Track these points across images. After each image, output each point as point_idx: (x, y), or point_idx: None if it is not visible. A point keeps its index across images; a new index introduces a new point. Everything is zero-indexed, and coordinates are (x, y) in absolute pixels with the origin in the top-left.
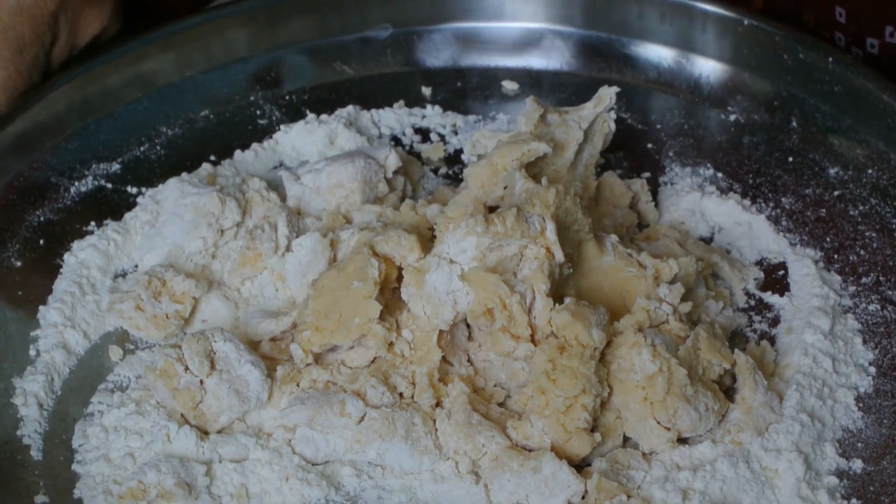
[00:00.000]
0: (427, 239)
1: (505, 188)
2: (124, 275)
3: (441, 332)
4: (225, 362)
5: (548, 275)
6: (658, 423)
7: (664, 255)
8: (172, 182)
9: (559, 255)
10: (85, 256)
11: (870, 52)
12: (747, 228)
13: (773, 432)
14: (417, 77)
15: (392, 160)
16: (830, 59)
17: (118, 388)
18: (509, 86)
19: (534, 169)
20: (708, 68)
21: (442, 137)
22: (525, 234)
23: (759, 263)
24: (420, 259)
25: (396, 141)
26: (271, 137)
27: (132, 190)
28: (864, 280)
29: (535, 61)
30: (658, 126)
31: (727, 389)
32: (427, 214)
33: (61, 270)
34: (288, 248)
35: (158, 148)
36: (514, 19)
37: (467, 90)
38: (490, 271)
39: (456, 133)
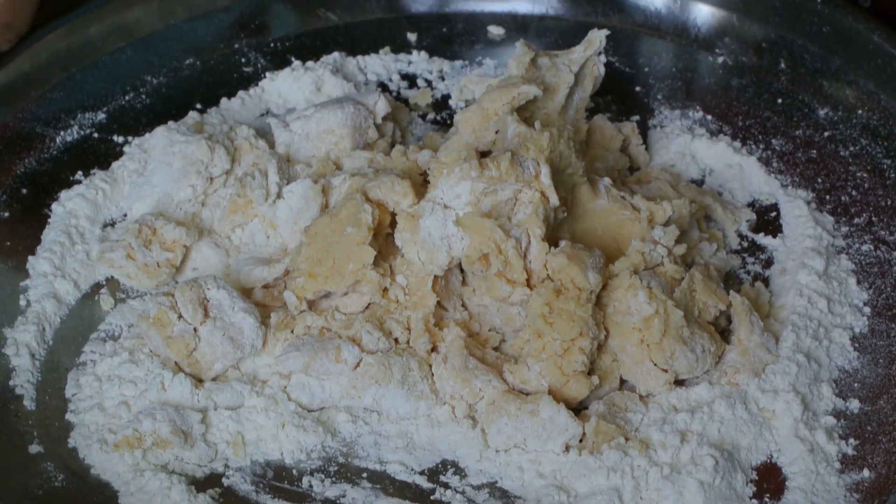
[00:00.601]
0: (419, 184)
1: (496, 133)
2: (113, 224)
3: (435, 277)
4: (218, 310)
5: (543, 219)
6: (655, 364)
7: (657, 198)
8: (160, 130)
9: (554, 199)
10: (73, 206)
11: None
12: (738, 170)
13: (769, 373)
14: (403, 23)
15: (381, 106)
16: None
17: (110, 337)
18: (495, 31)
19: (525, 113)
20: (696, 11)
21: (429, 83)
22: (519, 179)
23: (751, 205)
24: (414, 204)
25: (383, 87)
26: (257, 85)
27: (119, 139)
28: (856, 220)
29: (520, 6)
30: (646, 69)
31: (723, 331)
32: (419, 160)
33: (49, 220)
34: (279, 195)
35: (144, 97)
36: None
37: (453, 35)
38: (485, 216)
39: (443, 79)
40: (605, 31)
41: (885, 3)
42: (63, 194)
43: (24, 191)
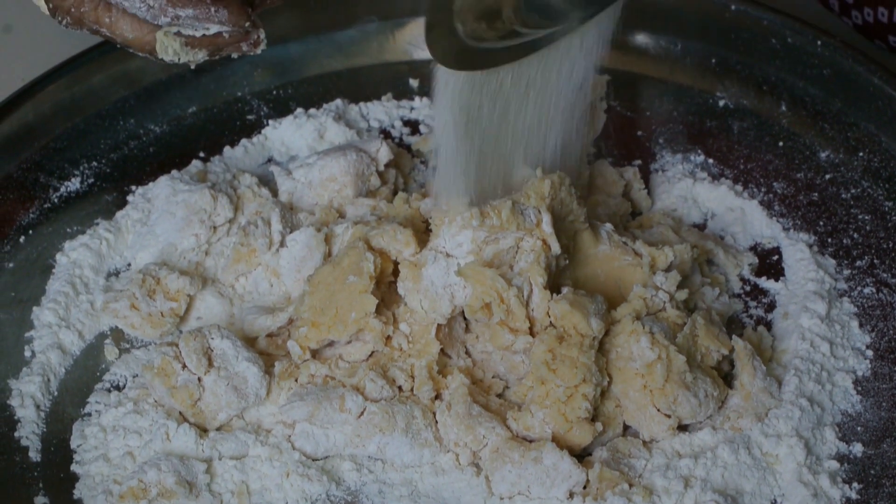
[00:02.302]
0: (421, 232)
1: None
2: (117, 274)
3: (439, 324)
4: (222, 359)
5: (544, 267)
6: (658, 410)
7: (659, 243)
8: (163, 180)
9: (555, 247)
10: (77, 256)
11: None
12: (740, 214)
13: (772, 418)
14: (405, 69)
15: (384, 153)
16: (819, 42)
17: (115, 387)
18: None
19: None
20: (696, 53)
21: (431, 129)
22: (521, 227)
23: (753, 249)
24: (416, 253)
25: (386, 133)
26: (260, 133)
27: (122, 189)
28: (858, 263)
29: None
30: (647, 113)
31: (725, 376)
32: (421, 208)
33: (54, 271)
34: (282, 244)
35: (147, 146)
36: None
37: None
38: (486, 264)
39: None
40: (606, 77)
41: None
42: (67, 244)
43: (28, 241)
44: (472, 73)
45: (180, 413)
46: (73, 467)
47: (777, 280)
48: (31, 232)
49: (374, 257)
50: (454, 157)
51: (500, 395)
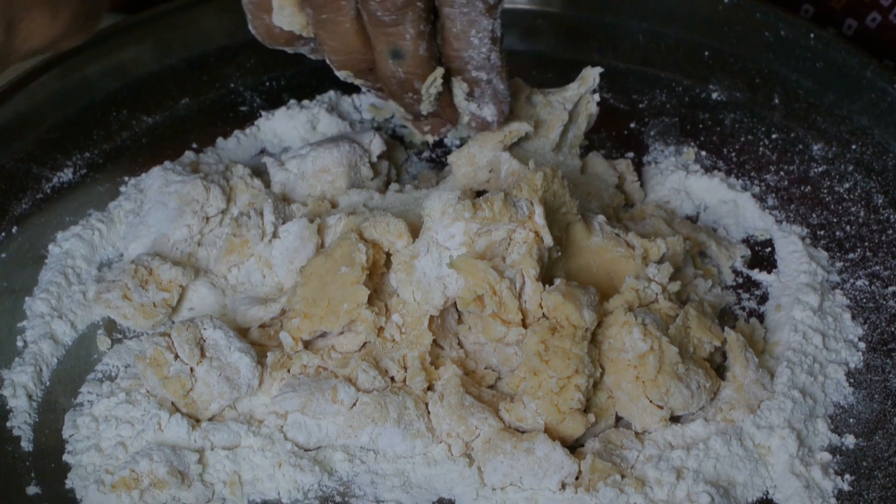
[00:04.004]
0: (415, 223)
1: (490, 171)
2: (109, 264)
3: (431, 315)
4: (215, 349)
5: (537, 259)
6: (650, 401)
7: (652, 235)
8: (156, 170)
9: (548, 240)
10: (69, 246)
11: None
12: (733, 206)
13: (764, 409)
14: None
15: (376, 144)
16: (812, 35)
17: (107, 377)
18: None
19: (518, 150)
20: (688, 46)
21: None
22: (513, 219)
23: (746, 241)
24: (409, 244)
25: (378, 125)
26: (253, 124)
27: (115, 179)
28: (850, 256)
29: (515, 43)
30: (640, 106)
31: (718, 367)
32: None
33: (46, 261)
34: (275, 235)
35: (140, 137)
36: None
37: None
38: (479, 256)
39: None
40: (599, 69)
41: (869, 31)
42: (59, 235)
43: (21, 232)
44: None
45: (172, 403)
46: (65, 457)
47: (769, 272)
48: (23, 222)
49: (367, 248)
50: None
51: (492, 387)
